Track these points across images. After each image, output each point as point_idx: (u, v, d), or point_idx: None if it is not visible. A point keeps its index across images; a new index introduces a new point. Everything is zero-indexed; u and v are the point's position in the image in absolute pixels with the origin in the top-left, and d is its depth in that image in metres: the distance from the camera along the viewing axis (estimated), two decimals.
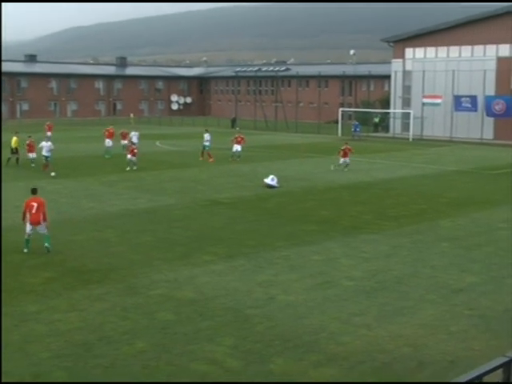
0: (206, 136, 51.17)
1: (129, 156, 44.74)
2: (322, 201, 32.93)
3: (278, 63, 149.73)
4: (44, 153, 42.66)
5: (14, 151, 46.87)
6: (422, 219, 28.52)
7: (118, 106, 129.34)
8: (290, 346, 14.19)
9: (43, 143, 43.38)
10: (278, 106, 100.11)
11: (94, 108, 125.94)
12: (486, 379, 5.94)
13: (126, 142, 54.59)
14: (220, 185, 38.07)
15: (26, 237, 22.29)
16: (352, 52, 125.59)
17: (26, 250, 22.12)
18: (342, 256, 22.07)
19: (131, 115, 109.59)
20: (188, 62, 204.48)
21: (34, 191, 23.00)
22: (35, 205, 22.18)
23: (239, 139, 51.03)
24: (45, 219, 22.36)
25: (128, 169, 43.91)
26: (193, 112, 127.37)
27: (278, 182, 37.11)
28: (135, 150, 44.93)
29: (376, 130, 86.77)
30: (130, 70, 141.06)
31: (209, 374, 12.77)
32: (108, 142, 53.18)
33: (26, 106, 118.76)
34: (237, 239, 24.39)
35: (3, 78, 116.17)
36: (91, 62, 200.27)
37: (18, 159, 46.51)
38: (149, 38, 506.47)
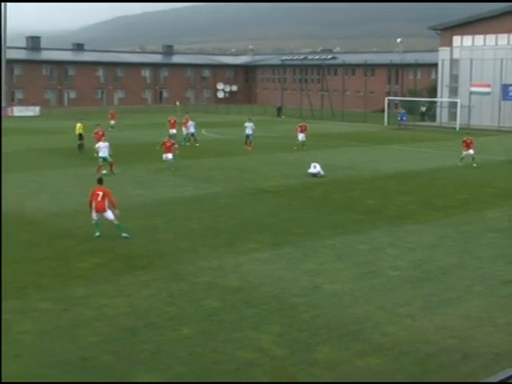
0: (249, 125, 50.87)
1: (165, 155, 38.84)
2: (368, 190, 32.80)
3: (324, 52, 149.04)
4: (101, 154, 37.26)
5: (80, 138, 47.16)
6: (469, 209, 28.25)
7: (165, 94, 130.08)
8: (336, 335, 14.21)
9: (100, 144, 38.00)
10: (324, 94, 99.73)
11: (141, 96, 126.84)
12: None
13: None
14: (266, 173, 38.11)
15: (93, 222, 22.97)
16: (399, 40, 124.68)
17: (97, 234, 22.76)
18: (387, 246, 21.98)
19: (177, 103, 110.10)
20: (234, 50, 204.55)
21: (99, 181, 23.77)
22: (100, 193, 22.85)
23: (303, 127, 50.81)
24: (114, 207, 23.00)
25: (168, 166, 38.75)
26: (239, 100, 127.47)
27: (322, 169, 36.99)
28: (175, 147, 39.70)
29: (422, 119, 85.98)
30: (177, 59, 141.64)
31: (254, 362, 12.85)
32: (172, 131, 53.50)
33: (73, 94, 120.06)
34: (283, 227, 24.43)
35: (52, 66, 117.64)
36: (138, 50, 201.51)
37: (82, 145, 46.70)
38: (195, 26, 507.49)
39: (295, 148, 49.67)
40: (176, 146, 39.81)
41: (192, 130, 53.58)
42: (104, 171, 36.05)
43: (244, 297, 16.63)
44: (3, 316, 15.06)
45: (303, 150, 48.49)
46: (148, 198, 30.27)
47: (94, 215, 22.89)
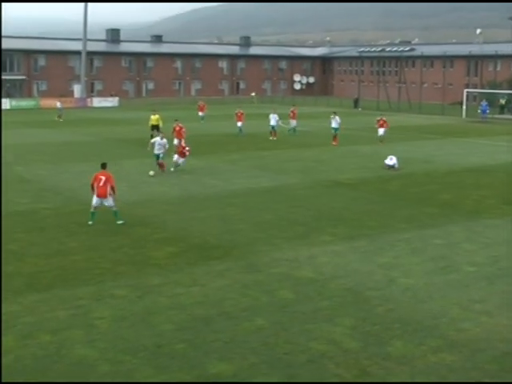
0: (335, 118, 49.10)
1: (175, 157, 35.45)
2: (444, 184, 32.34)
3: (402, 43, 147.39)
4: (156, 151, 34.49)
5: (155, 129, 46.46)
6: None
7: (241, 86, 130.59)
8: (410, 330, 14.08)
9: (157, 139, 34.86)
10: (402, 86, 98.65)
11: (218, 87, 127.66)
12: None
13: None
14: (341, 165, 37.96)
15: (91, 210, 23.03)
16: (478, 31, 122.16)
17: (90, 223, 22.82)
18: (463, 240, 21.65)
19: (253, 94, 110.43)
20: (311, 41, 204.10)
21: (103, 165, 23.66)
22: (103, 178, 22.89)
23: (382, 122, 49.34)
24: (114, 192, 23.10)
25: (172, 169, 35.11)
26: (315, 92, 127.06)
27: (398, 162, 36.64)
28: (186, 150, 35.64)
29: (502, 112, 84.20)
30: (254, 50, 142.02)
31: (327, 354, 12.84)
32: (239, 123, 54.42)
33: (151, 85, 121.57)
34: (358, 220, 24.31)
35: (131, 57, 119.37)
36: (215, 41, 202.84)
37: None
38: (272, 17, 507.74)
39: (382, 144, 47.81)
40: (187, 148, 35.64)
41: (273, 122, 52.32)
42: (151, 172, 33.62)
43: (318, 289, 16.62)
44: (79, 302, 15.40)
45: (382, 145, 47.44)
46: (223, 189, 30.48)
47: (95, 201, 22.90)
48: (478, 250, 20.50)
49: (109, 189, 22.84)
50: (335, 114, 50.16)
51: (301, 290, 16.51)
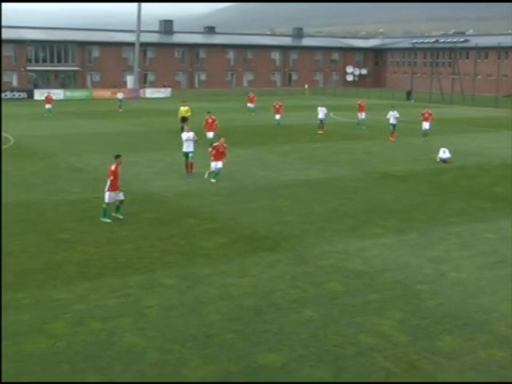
0: (393, 114, 46.86)
1: (214, 164, 29.94)
2: (496, 177, 31.91)
3: (456, 34, 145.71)
4: (184, 149, 31.03)
5: (185, 121, 43.60)
6: None
7: (294, 77, 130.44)
8: (459, 325, 13.96)
9: (183, 134, 31.51)
10: (455, 78, 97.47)
11: (270, 78, 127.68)
12: None
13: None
14: (392, 158, 37.69)
15: (105, 206, 22.57)
16: None
17: (108, 221, 22.26)
18: None
19: (306, 86, 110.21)
20: (364, 33, 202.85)
21: (117, 157, 23.39)
22: (119, 172, 22.87)
23: (427, 115, 46.70)
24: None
25: (206, 176, 30.40)
26: (367, 84, 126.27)
27: (450, 154, 36.26)
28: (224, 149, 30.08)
29: None
30: (306, 41, 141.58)
31: (375, 347, 12.80)
32: (277, 116, 53.99)
33: (203, 76, 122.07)
34: (408, 213, 24.14)
35: (184, 48, 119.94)
36: (268, 33, 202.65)
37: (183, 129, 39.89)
38: (325, 8, 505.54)
39: (423, 140, 45.64)
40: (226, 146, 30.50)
41: (321, 115, 50.95)
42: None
43: (367, 281, 16.56)
44: (129, 290, 15.58)
45: (427, 140, 45.46)
46: (273, 180, 30.50)
47: (110, 196, 22.47)
48: None
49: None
50: (393, 107, 48.06)
51: (350, 282, 16.48)
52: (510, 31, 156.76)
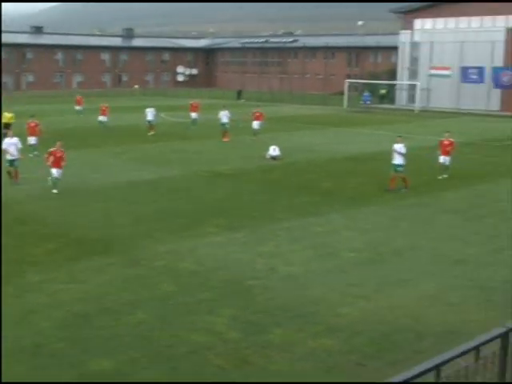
0: (224, 113, 46.70)
1: (54, 170, 27.54)
2: (325, 172, 32.91)
3: (285, 34, 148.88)
4: (8, 156, 29.11)
5: (6, 126, 38.80)
6: (425, 191, 28.50)
7: (124, 78, 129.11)
8: (290, 317, 14.28)
9: (5, 140, 29.50)
10: (284, 77, 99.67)
11: (100, 80, 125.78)
12: (483, 349, 6.00)
13: (195, 114, 53.49)
14: (224, 157, 38.07)
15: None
16: (360, 23, 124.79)
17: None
18: (343, 228, 22.12)
19: (136, 87, 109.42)
20: (195, 33, 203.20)
21: None
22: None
23: (258, 114, 47.37)
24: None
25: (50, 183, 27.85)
26: (199, 84, 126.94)
27: (280, 152, 37.08)
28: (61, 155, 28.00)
29: (382, 102, 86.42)
30: (137, 42, 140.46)
31: (208, 345, 12.87)
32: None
33: (31, 78, 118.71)
34: (239, 211, 24.45)
35: (10, 49, 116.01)
36: (97, 33, 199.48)
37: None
38: (156, 8, 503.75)
39: (254, 138, 46.32)
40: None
41: (150, 117, 49.56)
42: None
43: (200, 280, 16.63)
44: None
45: (254, 139, 45.96)
46: (105, 182, 30.08)
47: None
48: (356, 237, 20.99)
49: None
50: (225, 107, 47.69)
51: (182, 282, 16.50)
52: (336, 32, 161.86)
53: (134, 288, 16.02)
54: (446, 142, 31.89)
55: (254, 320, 14.09)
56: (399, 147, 28.83)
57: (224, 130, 46.21)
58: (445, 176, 31.41)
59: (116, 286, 16.11)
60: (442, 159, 31.66)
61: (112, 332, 13.45)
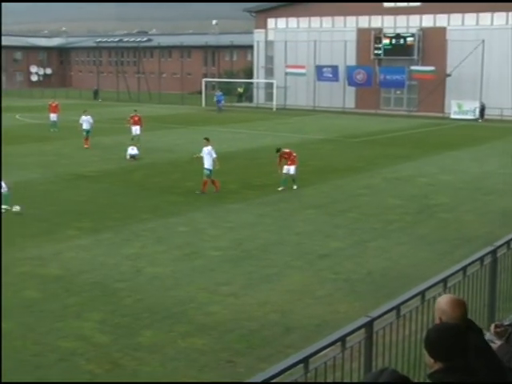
0: (86, 118, 43.04)
1: None
2: (186, 172, 32.83)
3: (139, 34, 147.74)
4: None
5: None
6: (286, 188, 28.89)
7: None
8: (159, 318, 14.20)
9: None
10: (141, 77, 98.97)
11: None
12: (349, 339, 6.13)
13: (55, 115, 51.77)
14: (84, 158, 37.38)
15: None
16: (214, 22, 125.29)
17: None
18: (207, 226, 22.19)
19: None
20: (47, 31, 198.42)
21: None
22: None
23: (136, 119, 43.53)
24: None
25: None
26: (53, 83, 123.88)
27: (139, 151, 36.82)
28: None
29: (240, 101, 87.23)
30: None
31: (77, 351, 12.60)
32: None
33: None
34: (102, 213, 24.07)
35: None
36: None
37: None
38: (4, 5, 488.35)
39: (137, 144, 40.20)
40: None
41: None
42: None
43: (65, 285, 16.27)
44: None
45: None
46: None
47: None
48: (221, 235, 21.10)
49: None
50: (86, 112, 44.26)
51: (47, 288, 16.08)
52: (191, 31, 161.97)
53: None
54: (287, 151, 29.34)
55: (123, 323, 13.92)
56: (208, 150, 28.16)
57: (85, 136, 42.55)
58: (295, 187, 28.58)
59: None
60: (286, 169, 28.60)
61: None
